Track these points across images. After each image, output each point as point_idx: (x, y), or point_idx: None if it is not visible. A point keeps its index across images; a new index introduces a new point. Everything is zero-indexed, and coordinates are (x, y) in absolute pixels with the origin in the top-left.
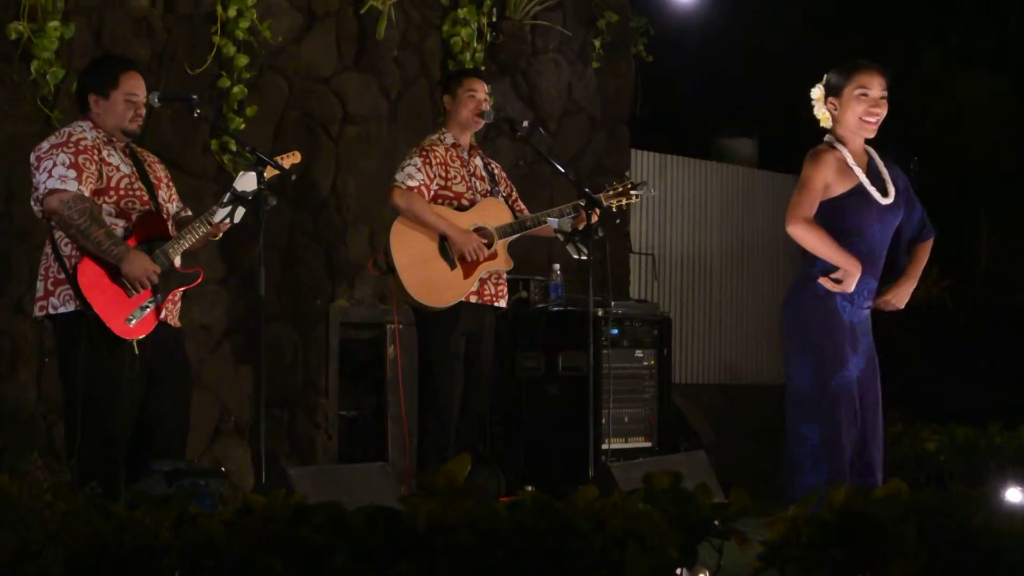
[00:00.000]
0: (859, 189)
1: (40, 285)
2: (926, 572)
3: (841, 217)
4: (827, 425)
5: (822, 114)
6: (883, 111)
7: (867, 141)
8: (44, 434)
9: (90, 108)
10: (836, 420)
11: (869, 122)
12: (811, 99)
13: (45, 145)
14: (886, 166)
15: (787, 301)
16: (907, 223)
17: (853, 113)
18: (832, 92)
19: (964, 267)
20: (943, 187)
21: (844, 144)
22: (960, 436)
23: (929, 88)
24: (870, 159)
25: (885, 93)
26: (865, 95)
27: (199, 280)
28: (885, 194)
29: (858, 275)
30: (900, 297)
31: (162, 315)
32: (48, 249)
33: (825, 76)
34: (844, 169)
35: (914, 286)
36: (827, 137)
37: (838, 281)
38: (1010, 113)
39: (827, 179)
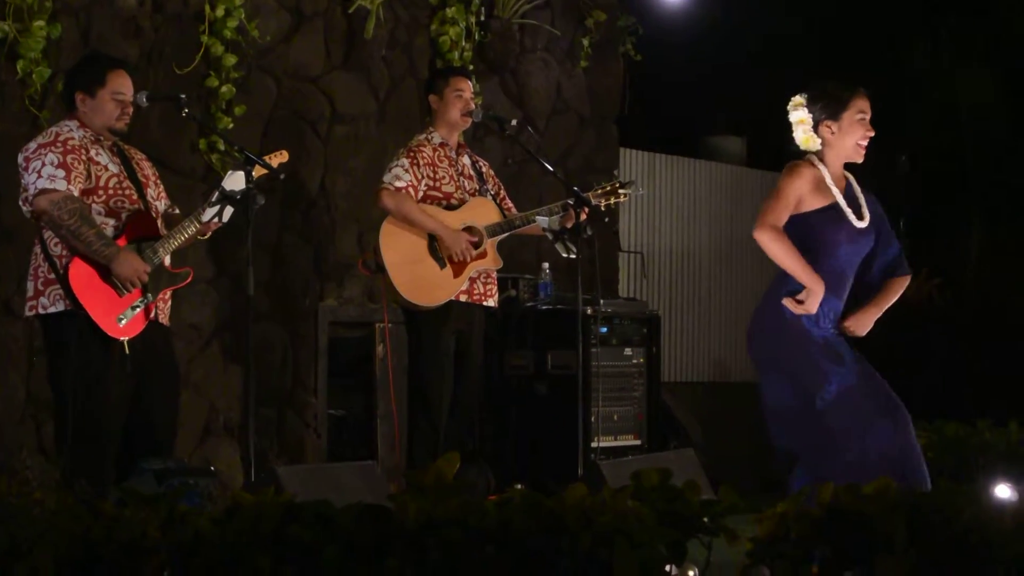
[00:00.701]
0: (834, 207)
1: (30, 285)
2: (915, 568)
3: (810, 233)
4: (817, 442)
5: (805, 137)
6: (872, 134)
7: (846, 166)
8: (34, 434)
9: (77, 106)
10: (828, 435)
11: (863, 146)
12: (791, 122)
13: (33, 145)
14: (863, 193)
15: (755, 320)
16: (882, 255)
17: (852, 138)
18: (829, 116)
19: (955, 265)
20: (934, 185)
21: (825, 165)
22: (949, 433)
23: (919, 85)
24: (848, 183)
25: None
26: (864, 120)
27: (189, 279)
28: (860, 218)
29: (821, 294)
30: (862, 324)
31: (152, 314)
32: (37, 249)
33: (807, 99)
34: (821, 187)
35: (877, 316)
36: (809, 156)
37: (800, 302)
38: (1002, 110)
39: (801, 192)
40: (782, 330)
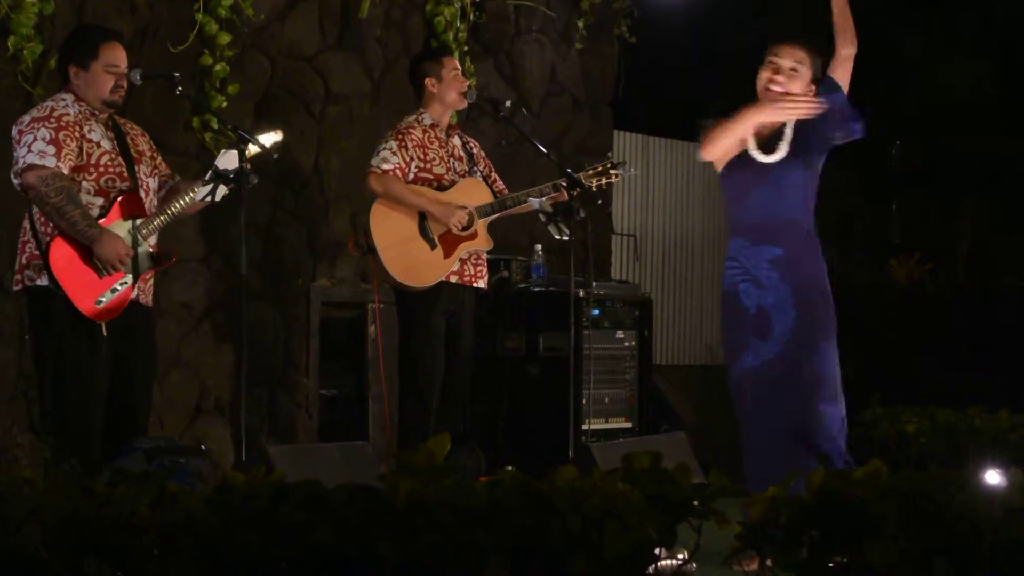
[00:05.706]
0: (741, 153)
1: (18, 259)
2: (904, 552)
3: (727, 188)
4: (737, 410)
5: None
6: (791, 84)
7: None
8: (25, 412)
9: (71, 80)
10: (741, 406)
11: (772, 91)
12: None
13: (27, 118)
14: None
15: None
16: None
17: (760, 82)
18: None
19: (946, 250)
20: (926, 171)
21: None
22: (940, 419)
23: (911, 70)
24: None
25: (797, 67)
26: (773, 65)
27: (172, 262)
28: (770, 151)
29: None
30: None
31: (134, 295)
32: (26, 224)
33: None
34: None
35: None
36: None
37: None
38: (993, 95)
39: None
40: (722, 303)
